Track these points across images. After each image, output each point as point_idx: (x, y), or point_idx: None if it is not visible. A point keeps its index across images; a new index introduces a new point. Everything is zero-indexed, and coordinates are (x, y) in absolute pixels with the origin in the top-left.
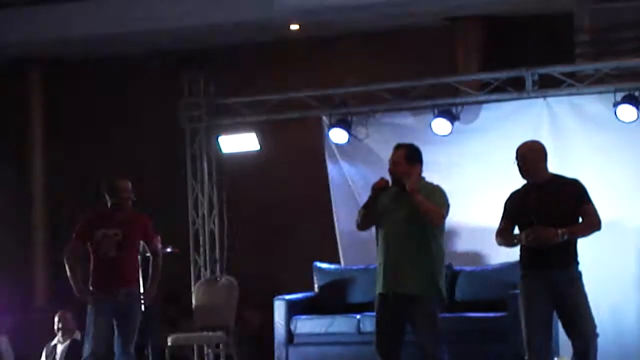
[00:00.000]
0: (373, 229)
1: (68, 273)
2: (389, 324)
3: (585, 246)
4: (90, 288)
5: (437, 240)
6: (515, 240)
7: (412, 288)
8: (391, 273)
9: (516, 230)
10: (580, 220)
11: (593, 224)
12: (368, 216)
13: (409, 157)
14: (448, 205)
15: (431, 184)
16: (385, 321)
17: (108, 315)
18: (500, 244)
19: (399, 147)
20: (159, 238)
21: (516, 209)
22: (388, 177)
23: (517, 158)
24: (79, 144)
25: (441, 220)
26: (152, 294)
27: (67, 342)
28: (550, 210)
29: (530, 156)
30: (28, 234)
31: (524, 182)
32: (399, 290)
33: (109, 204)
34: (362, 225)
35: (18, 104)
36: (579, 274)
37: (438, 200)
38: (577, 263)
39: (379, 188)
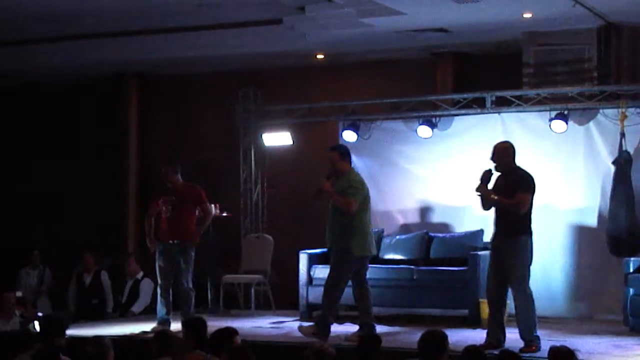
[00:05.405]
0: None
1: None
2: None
3: None
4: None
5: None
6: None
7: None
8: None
9: None
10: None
11: (512, 203)
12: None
13: (342, 155)
14: (357, 194)
15: (352, 179)
16: None
17: (167, 257)
18: None
19: (332, 148)
20: (212, 205)
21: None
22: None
23: (491, 152)
24: (163, 136)
25: (351, 209)
26: (197, 238)
27: (132, 280)
28: (501, 190)
29: (498, 152)
30: (124, 201)
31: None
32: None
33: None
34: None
35: (119, 105)
36: (523, 243)
37: (352, 193)
38: (524, 234)
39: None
